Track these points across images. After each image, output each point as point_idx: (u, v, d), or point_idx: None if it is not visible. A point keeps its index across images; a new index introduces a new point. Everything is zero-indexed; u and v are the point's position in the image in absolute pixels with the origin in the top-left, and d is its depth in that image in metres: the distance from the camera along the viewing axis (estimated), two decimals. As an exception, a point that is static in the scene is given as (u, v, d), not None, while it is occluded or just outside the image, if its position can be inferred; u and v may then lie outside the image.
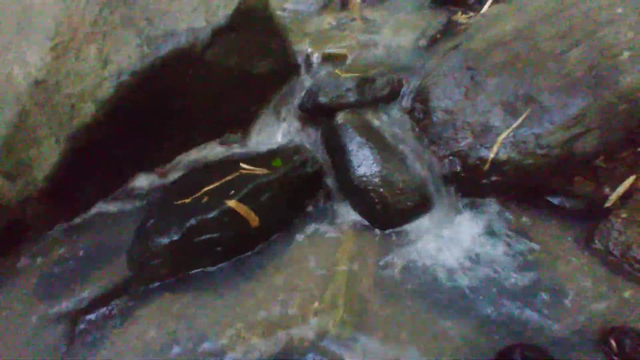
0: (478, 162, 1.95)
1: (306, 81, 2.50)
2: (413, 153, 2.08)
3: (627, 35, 1.79)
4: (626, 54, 1.76)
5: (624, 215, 1.78)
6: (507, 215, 1.98)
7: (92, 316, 1.64)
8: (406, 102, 2.31)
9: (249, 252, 1.88)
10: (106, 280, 1.77)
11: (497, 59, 2.07)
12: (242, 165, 1.98)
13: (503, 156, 1.90)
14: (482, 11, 2.66)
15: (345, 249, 1.88)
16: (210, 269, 1.81)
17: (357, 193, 1.98)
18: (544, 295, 1.65)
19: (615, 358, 1.43)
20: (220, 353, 1.51)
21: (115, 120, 1.91)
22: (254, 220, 1.82)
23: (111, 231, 2.00)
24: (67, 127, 1.82)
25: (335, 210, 2.07)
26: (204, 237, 1.75)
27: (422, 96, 2.22)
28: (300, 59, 2.58)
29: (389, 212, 1.93)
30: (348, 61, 2.54)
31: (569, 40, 1.91)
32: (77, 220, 2.05)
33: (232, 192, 1.82)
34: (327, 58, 2.59)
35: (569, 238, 1.85)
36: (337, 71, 2.35)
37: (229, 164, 2.06)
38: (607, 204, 1.85)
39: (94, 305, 1.67)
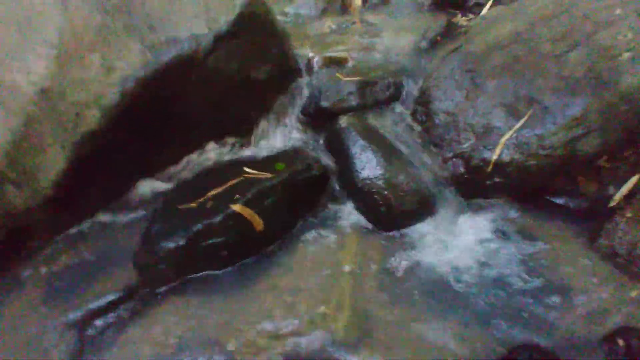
0: (481, 164, 1.96)
1: (308, 85, 2.52)
2: (416, 155, 2.09)
3: (626, 36, 1.80)
4: (626, 54, 1.77)
5: (628, 215, 1.78)
6: (511, 217, 1.98)
7: (100, 322, 1.64)
8: (408, 105, 2.33)
9: (254, 256, 1.88)
10: (113, 285, 1.77)
11: (497, 61, 2.09)
12: (246, 169, 1.99)
13: (506, 157, 1.91)
14: (481, 13, 2.68)
15: (349, 251, 1.89)
16: (216, 272, 1.82)
17: (360, 195, 1.99)
18: (550, 296, 1.65)
19: (622, 358, 1.43)
20: (227, 357, 1.52)
21: (120, 126, 1.92)
22: (258, 224, 1.83)
23: (116, 236, 2.01)
24: (72, 134, 1.83)
25: (339, 212, 2.08)
26: (209, 241, 1.76)
27: (423, 98, 2.23)
28: (301, 63, 2.60)
29: (393, 214, 1.94)
30: (349, 65, 2.55)
31: (568, 42, 1.92)
32: (83, 226, 2.05)
33: (237, 196, 1.83)
34: (328, 62, 2.60)
35: (574, 238, 1.85)
36: (338, 75, 2.37)
37: (232, 168, 2.07)
38: (612, 204, 1.85)
39: (101, 310, 1.67)
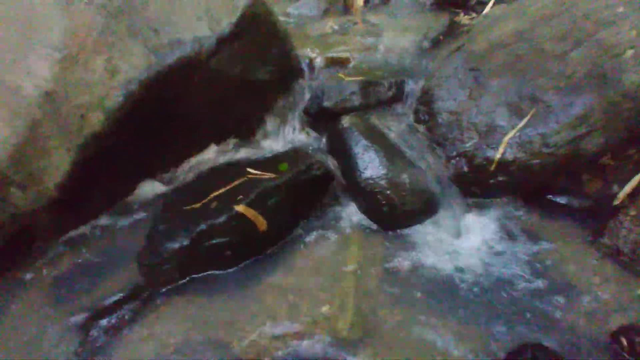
0: (484, 163, 1.96)
1: (310, 86, 2.52)
2: (418, 154, 2.09)
3: (629, 35, 1.79)
4: (629, 52, 1.76)
5: (632, 213, 1.78)
6: (515, 215, 1.98)
7: (104, 322, 1.66)
8: (410, 104, 2.33)
9: (258, 256, 1.89)
10: (117, 286, 1.79)
11: (500, 60, 2.08)
12: (249, 170, 2.00)
13: (509, 156, 1.91)
14: (484, 12, 2.67)
15: (352, 251, 1.89)
16: (219, 273, 1.83)
17: (363, 195, 2.00)
18: (554, 295, 1.65)
19: (626, 356, 1.43)
20: (231, 356, 1.52)
21: (124, 128, 1.93)
22: (262, 224, 1.84)
23: (120, 237, 2.03)
24: (77, 136, 1.85)
25: (342, 213, 2.08)
26: (213, 241, 1.77)
27: (426, 98, 2.23)
28: (303, 64, 2.61)
29: (396, 213, 1.94)
30: (351, 65, 2.56)
31: (571, 41, 1.91)
32: (86, 228, 2.07)
33: (240, 197, 1.84)
34: (331, 62, 2.61)
35: (577, 237, 1.85)
36: (340, 75, 2.37)
37: (235, 169, 2.08)
38: (616, 202, 1.84)
39: (105, 311, 1.69)
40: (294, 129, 2.37)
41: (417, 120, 2.23)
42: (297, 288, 1.75)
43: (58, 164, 1.85)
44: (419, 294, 1.70)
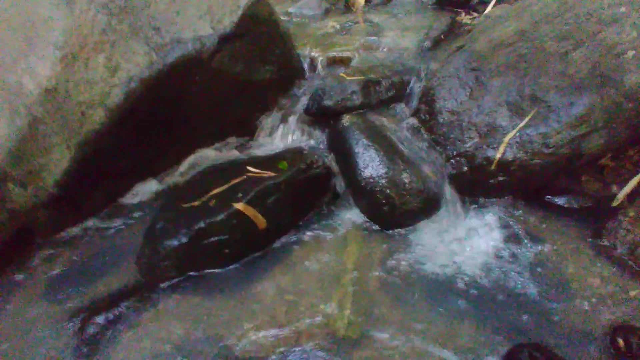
0: (484, 162, 1.96)
1: (311, 85, 2.53)
2: (419, 154, 2.09)
3: (631, 35, 1.78)
4: (630, 53, 1.76)
5: (631, 214, 1.77)
6: (514, 215, 1.98)
7: (101, 318, 1.65)
8: (411, 104, 2.33)
9: (257, 254, 1.89)
10: (115, 283, 1.79)
11: (501, 60, 2.08)
12: (249, 168, 2.00)
13: (510, 156, 1.91)
14: (485, 12, 2.67)
15: (352, 250, 1.89)
16: (218, 270, 1.83)
17: (363, 194, 2.00)
18: (552, 295, 1.65)
19: (622, 357, 1.43)
20: (229, 354, 1.53)
21: (124, 126, 1.94)
22: (261, 222, 1.84)
23: (119, 235, 2.03)
24: (77, 134, 1.85)
25: (342, 211, 2.08)
26: (212, 239, 1.77)
27: (427, 97, 2.23)
28: (304, 63, 2.61)
29: (396, 213, 1.94)
30: (352, 64, 2.56)
31: (572, 40, 1.91)
32: (86, 225, 2.08)
33: (240, 194, 1.84)
34: (332, 61, 2.62)
35: (576, 237, 1.85)
36: (341, 74, 2.37)
37: (235, 167, 2.08)
38: (615, 203, 1.84)
39: (103, 307, 1.69)
40: (295, 128, 2.37)
41: (418, 120, 2.23)
42: (295, 286, 1.75)
43: (58, 161, 1.86)
44: (417, 294, 1.70)
